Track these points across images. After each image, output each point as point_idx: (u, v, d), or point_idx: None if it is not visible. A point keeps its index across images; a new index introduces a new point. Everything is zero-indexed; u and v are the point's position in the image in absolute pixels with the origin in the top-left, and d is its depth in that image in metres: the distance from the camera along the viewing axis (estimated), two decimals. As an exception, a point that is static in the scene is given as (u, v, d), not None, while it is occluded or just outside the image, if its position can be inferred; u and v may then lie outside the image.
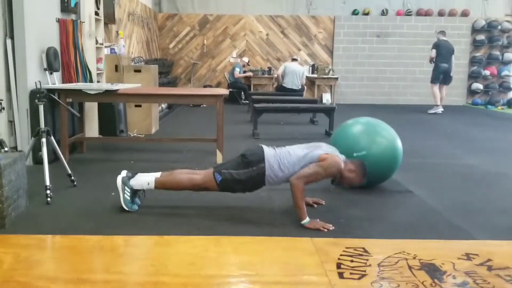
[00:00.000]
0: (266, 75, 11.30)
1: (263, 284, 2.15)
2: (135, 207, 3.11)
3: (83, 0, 5.34)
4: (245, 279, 2.20)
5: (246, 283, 2.16)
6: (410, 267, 2.36)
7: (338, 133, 3.95)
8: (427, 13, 11.90)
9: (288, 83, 9.21)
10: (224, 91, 4.52)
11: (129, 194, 3.05)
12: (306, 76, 10.98)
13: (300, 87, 9.26)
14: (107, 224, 2.87)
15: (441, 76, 10.23)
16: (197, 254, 2.47)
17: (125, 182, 3.05)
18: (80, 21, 5.20)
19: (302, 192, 2.91)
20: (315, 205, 3.35)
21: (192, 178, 3.08)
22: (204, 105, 10.48)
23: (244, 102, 10.77)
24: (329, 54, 11.88)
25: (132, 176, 3.09)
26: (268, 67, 11.52)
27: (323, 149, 3.05)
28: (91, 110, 5.56)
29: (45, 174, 3.30)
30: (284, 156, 3.02)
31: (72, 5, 5.06)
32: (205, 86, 11.33)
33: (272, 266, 2.34)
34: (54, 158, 4.42)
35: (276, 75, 10.15)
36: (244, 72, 10.97)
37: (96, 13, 5.70)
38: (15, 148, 4.21)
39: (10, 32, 4.17)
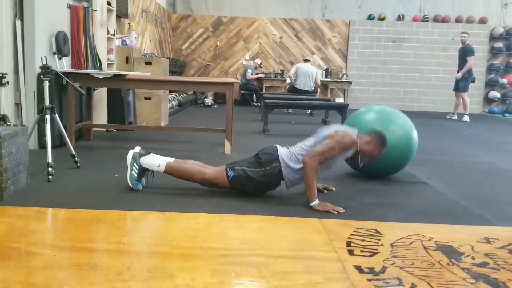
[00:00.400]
0: (278, 78, 11.21)
1: (267, 257, 2.01)
2: (140, 186, 2.99)
3: (95, -12, 5.30)
4: (248, 252, 2.06)
5: (250, 255, 2.02)
6: (425, 248, 2.21)
7: (351, 121, 3.80)
8: (444, 20, 11.73)
9: (301, 84, 9.08)
10: (233, 80, 4.41)
11: (136, 171, 2.93)
12: (321, 80, 10.89)
13: (312, 88, 9.12)
14: (108, 201, 2.76)
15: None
16: (200, 229, 2.34)
17: (135, 158, 2.93)
18: (92, 9, 5.16)
19: (315, 171, 2.77)
20: (325, 191, 3.21)
21: (204, 172, 2.96)
22: (216, 106, 10.41)
23: (255, 104, 10.67)
24: (343, 59, 11.75)
25: (145, 154, 2.97)
26: (281, 70, 11.43)
27: (331, 128, 2.92)
28: (100, 101, 5.50)
29: (48, 152, 3.22)
30: (297, 151, 2.90)
31: (84, -8, 5.02)
32: (217, 88, 11.26)
33: (277, 241, 2.21)
34: (59, 143, 4.36)
35: (288, 76, 10.04)
36: (256, 74, 10.89)
37: (109, 3, 5.65)
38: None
39: (20, 14, 4.13)
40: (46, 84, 3.29)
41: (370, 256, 2.08)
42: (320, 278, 1.82)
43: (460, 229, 2.54)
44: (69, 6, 4.78)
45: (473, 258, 2.11)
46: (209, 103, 10.38)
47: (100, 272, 1.80)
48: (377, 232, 2.41)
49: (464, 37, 9.66)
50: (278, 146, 2.97)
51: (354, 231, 2.40)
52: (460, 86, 9.77)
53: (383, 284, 1.80)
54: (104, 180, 3.27)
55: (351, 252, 2.11)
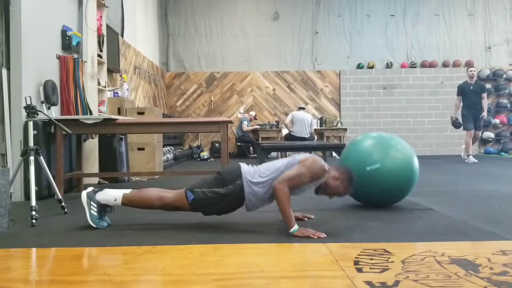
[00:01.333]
0: (274, 128, 11.20)
1: (270, 279, 1.82)
2: (104, 223, 2.84)
3: (85, 40, 5.34)
4: (248, 275, 1.87)
5: (250, 278, 1.83)
6: (439, 262, 2.02)
7: (349, 149, 3.68)
8: (432, 65, 11.95)
9: (297, 132, 9.04)
10: (227, 119, 4.34)
11: (96, 210, 2.79)
12: (315, 129, 10.89)
13: (309, 135, 9.07)
14: (95, 241, 2.56)
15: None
16: (194, 258, 2.16)
17: (90, 197, 2.78)
18: (82, 60, 5.16)
19: (288, 196, 2.61)
20: (306, 219, 3.04)
21: (163, 196, 2.81)
22: (212, 159, 10.31)
23: (252, 156, 10.59)
24: (336, 107, 11.83)
25: (99, 191, 2.83)
26: (276, 121, 11.45)
27: (302, 155, 2.80)
28: (92, 152, 5.39)
29: (31, 194, 3.06)
30: (262, 168, 2.78)
31: (74, 44, 5.05)
32: (213, 142, 11.22)
33: (279, 264, 2.02)
34: (47, 194, 4.20)
35: (285, 124, 10.03)
36: (252, 126, 10.89)
37: (99, 56, 5.68)
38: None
39: (7, 63, 4.10)
40: (31, 125, 3.19)
41: (381, 272, 1.89)
42: (327, 294, 1.63)
43: (473, 244, 2.36)
44: (58, 57, 4.78)
45: (491, 268, 1.93)
46: (206, 157, 10.29)
47: (81, 301, 1.60)
48: (386, 251, 2.22)
49: (472, 71, 8.82)
50: (241, 164, 2.83)
51: (361, 252, 2.22)
52: (479, 124, 8.84)
53: (397, 296, 1.61)
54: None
55: (359, 270, 1.92)
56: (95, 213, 2.79)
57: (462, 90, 8.87)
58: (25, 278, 1.90)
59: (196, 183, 2.83)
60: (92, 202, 2.78)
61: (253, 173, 2.75)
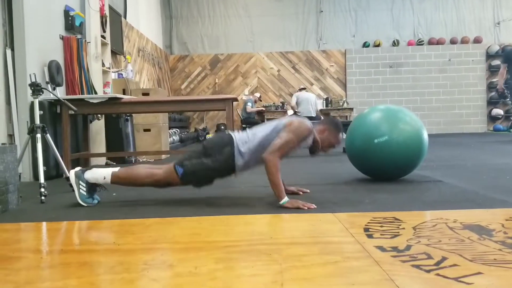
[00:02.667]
0: (279, 110, 11.14)
1: (279, 244, 1.80)
2: (95, 201, 2.82)
3: (88, 21, 5.30)
4: (257, 242, 1.85)
5: (259, 244, 1.82)
6: (451, 228, 1.99)
7: (356, 122, 3.65)
8: (439, 42, 11.80)
9: (303, 112, 8.96)
10: (232, 96, 4.30)
11: (85, 189, 2.75)
12: (320, 110, 10.83)
13: (315, 114, 9.01)
14: (103, 214, 2.56)
15: None
16: (203, 227, 2.15)
17: (79, 176, 2.75)
18: (86, 41, 5.13)
19: (278, 167, 2.59)
20: (301, 193, 3.01)
21: (152, 173, 2.77)
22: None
23: (258, 137, 10.56)
24: (342, 87, 11.74)
25: (88, 169, 2.80)
26: (281, 102, 11.40)
27: (286, 118, 2.80)
28: (99, 134, 5.39)
29: (40, 172, 3.05)
30: (250, 134, 2.77)
31: (77, 24, 5.00)
32: (218, 125, 11.19)
33: (289, 232, 2.01)
34: (56, 174, 4.21)
35: (291, 107, 9.97)
36: (257, 107, 10.83)
37: (103, 37, 5.63)
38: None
39: (11, 43, 4.07)
40: (36, 102, 3.17)
41: (392, 238, 1.87)
42: (338, 258, 1.61)
43: (485, 212, 2.33)
44: (62, 37, 4.75)
45: (505, 233, 1.89)
46: (211, 139, 10.26)
47: (89, 268, 1.60)
48: (396, 219, 2.20)
49: None
50: (231, 132, 2.81)
51: (371, 219, 2.19)
52: None
53: (409, 259, 1.59)
54: (101, 198, 3.08)
55: (370, 236, 1.90)
56: (84, 193, 2.75)
57: (509, 57, 7.64)
58: (35, 248, 1.89)
59: (184, 157, 2.79)
60: (81, 182, 2.74)
61: (242, 140, 2.73)
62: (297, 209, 2.47)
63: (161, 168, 2.81)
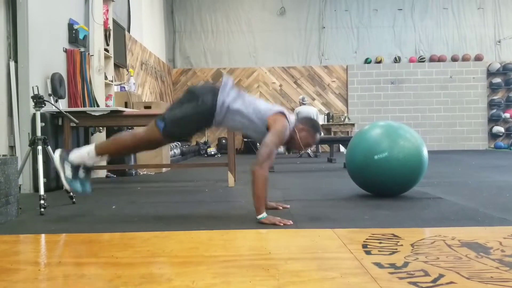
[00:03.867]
0: (280, 125, 11.15)
1: (277, 260, 1.80)
2: (78, 186, 2.69)
3: (92, 35, 5.35)
4: (255, 257, 1.86)
5: (257, 260, 1.82)
6: (449, 245, 2.00)
7: (356, 138, 3.66)
8: (440, 59, 11.87)
9: (303, 127, 8.98)
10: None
11: (70, 171, 2.65)
12: (322, 125, 10.86)
13: (315, 130, 9.01)
14: (102, 227, 2.57)
15: None
16: (201, 242, 2.15)
17: (63, 157, 2.65)
18: (89, 54, 5.18)
19: (266, 181, 2.59)
20: (280, 208, 3.00)
21: (134, 133, 2.74)
22: (219, 155, 10.31)
23: (259, 151, 10.57)
24: (343, 103, 11.78)
25: (71, 151, 2.73)
26: (282, 117, 11.42)
27: (274, 111, 2.73)
28: (100, 146, 5.40)
29: (40, 184, 3.06)
30: (246, 99, 2.71)
31: (81, 37, 5.06)
32: (219, 139, 11.22)
33: (287, 247, 2.01)
34: (55, 187, 4.22)
35: (290, 122, 10.02)
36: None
37: (106, 50, 5.69)
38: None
39: (14, 55, 4.12)
40: (38, 115, 3.20)
41: (390, 254, 1.87)
42: (335, 274, 1.61)
43: (483, 229, 2.33)
44: (65, 50, 4.80)
45: (502, 251, 1.89)
46: (212, 152, 10.29)
47: (88, 281, 1.60)
48: (395, 235, 2.20)
49: None
50: (225, 79, 2.74)
51: (369, 236, 2.20)
52: None
53: (406, 276, 1.59)
54: (100, 210, 3.10)
55: (368, 252, 1.90)
56: (70, 175, 2.65)
57: None
58: (33, 260, 1.90)
59: (165, 111, 2.72)
60: (65, 163, 2.65)
61: (233, 96, 2.68)
62: (274, 225, 2.47)
63: (142, 129, 2.76)
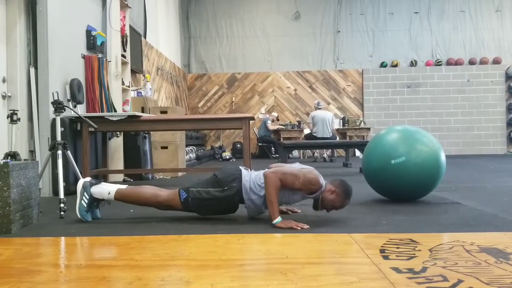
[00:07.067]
0: (296, 129, 11.16)
1: (294, 264, 1.81)
2: (89, 217, 2.86)
3: (109, 41, 5.43)
4: (273, 261, 1.87)
5: (274, 264, 1.83)
6: (467, 251, 1.98)
7: (373, 143, 3.65)
8: (457, 63, 11.75)
9: (319, 132, 8.95)
10: (249, 115, 4.34)
11: (86, 201, 2.81)
12: (337, 129, 10.85)
13: (331, 134, 8.98)
14: (121, 230, 2.60)
15: None
16: (219, 245, 2.17)
17: (86, 187, 2.82)
18: (106, 60, 5.25)
19: (277, 187, 2.59)
20: (290, 212, 3.03)
21: (157, 194, 2.82)
22: (234, 160, 10.34)
23: (274, 156, 10.57)
24: (359, 107, 11.73)
25: (96, 184, 2.86)
26: (297, 121, 11.42)
27: (308, 168, 2.75)
28: (117, 151, 5.47)
29: (60, 187, 3.12)
30: (260, 178, 2.73)
31: (98, 43, 5.13)
32: (234, 143, 11.26)
33: (305, 252, 2.01)
34: (74, 191, 4.27)
35: (307, 124, 10.01)
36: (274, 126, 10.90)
37: (123, 56, 5.76)
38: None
39: (34, 62, 4.19)
40: (58, 120, 3.26)
41: (408, 259, 1.86)
42: (354, 279, 1.61)
43: (503, 235, 2.31)
44: (83, 56, 4.87)
45: (524, 256, 1.88)
46: (227, 157, 10.32)
47: (108, 283, 1.63)
48: (413, 241, 2.19)
49: None
50: (242, 167, 2.82)
51: (387, 241, 2.19)
52: None
53: (425, 281, 1.58)
54: (118, 214, 3.14)
55: (385, 257, 1.90)
56: (85, 205, 2.81)
57: None
58: (55, 263, 1.93)
59: (192, 183, 2.84)
60: (85, 193, 2.81)
61: (252, 180, 2.73)
62: (290, 229, 2.49)
63: (166, 190, 2.85)
